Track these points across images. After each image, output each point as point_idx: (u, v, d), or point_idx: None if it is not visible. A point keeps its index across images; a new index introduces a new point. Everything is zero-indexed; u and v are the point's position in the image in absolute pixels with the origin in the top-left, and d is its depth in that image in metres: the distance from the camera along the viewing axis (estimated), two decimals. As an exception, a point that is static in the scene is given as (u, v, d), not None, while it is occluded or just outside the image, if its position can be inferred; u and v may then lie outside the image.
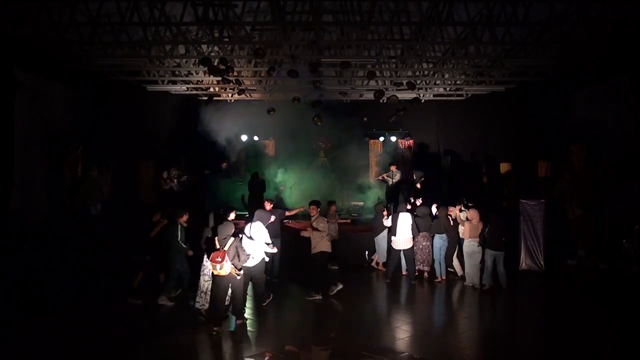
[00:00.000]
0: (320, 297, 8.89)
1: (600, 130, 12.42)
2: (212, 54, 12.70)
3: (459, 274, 10.38)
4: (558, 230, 11.78)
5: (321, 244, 9.01)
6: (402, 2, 10.99)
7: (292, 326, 7.87)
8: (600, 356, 6.67)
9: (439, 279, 10.23)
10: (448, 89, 16.10)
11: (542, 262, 10.98)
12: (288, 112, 15.40)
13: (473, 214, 9.82)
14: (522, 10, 10.18)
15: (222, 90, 15.86)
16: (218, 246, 7.16)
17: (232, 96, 16.55)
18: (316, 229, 8.99)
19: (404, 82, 14.01)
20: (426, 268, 10.42)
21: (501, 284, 9.57)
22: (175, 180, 12.84)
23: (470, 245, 9.78)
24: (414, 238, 10.16)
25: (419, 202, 11.38)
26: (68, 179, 13.05)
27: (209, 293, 7.62)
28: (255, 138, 17.61)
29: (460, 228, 10.14)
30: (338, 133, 16.47)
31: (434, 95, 16.92)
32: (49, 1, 9.80)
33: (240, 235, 7.66)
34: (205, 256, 7.79)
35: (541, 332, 7.53)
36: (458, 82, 15.36)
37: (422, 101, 16.29)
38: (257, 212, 8.44)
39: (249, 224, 7.99)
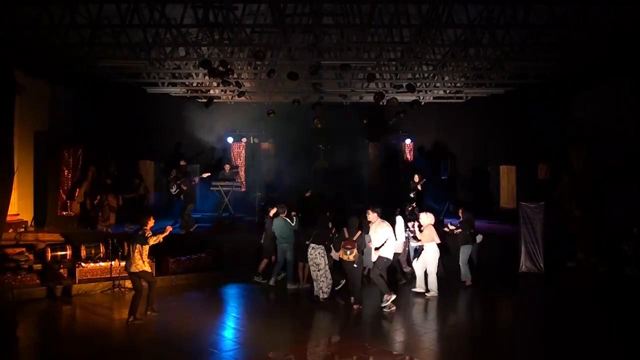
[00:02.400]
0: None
1: (600, 132, 12.44)
2: (212, 56, 12.72)
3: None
4: (558, 232, 11.78)
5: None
6: (402, 4, 10.99)
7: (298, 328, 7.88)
8: (599, 359, 6.66)
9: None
10: (448, 91, 16.11)
11: (541, 265, 10.98)
12: (288, 114, 15.41)
13: (424, 218, 9.49)
14: (522, 12, 10.18)
15: (222, 93, 15.87)
16: (347, 236, 8.41)
17: (232, 98, 16.56)
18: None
19: (404, 84, 13.99)
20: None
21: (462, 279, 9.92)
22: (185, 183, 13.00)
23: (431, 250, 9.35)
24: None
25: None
26: (67, 180, 13.04)
27: (319, 280, 8.86)
28: (255, 140, 17.60)
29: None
30: (338, 135, 16.47)
31: (433, 98, 16.92)
32: (49, 3, 9.82)
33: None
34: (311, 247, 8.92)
35: (541, 335, 7.51)
36: (458, 84, 15.38)
37: (422, 104, 16.29)
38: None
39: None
